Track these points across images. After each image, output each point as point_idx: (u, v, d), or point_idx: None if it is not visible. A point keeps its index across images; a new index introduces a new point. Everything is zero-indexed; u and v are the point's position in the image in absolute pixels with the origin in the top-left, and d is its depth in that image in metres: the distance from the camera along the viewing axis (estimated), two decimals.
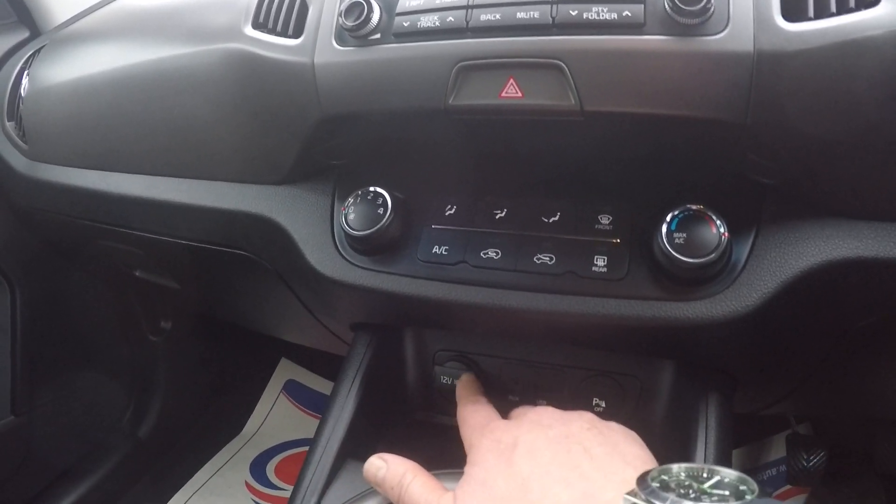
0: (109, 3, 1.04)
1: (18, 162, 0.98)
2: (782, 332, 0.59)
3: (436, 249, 0.61)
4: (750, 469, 1.30)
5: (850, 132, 0.50)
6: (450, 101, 0.54)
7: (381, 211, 0.62)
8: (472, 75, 0.53)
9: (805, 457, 1.17)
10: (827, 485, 1.21)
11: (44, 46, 1.01)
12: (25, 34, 1.14)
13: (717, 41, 0.48)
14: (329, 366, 1.46)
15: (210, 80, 0.70)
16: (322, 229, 0.67)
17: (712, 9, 0.48)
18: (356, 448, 0.66)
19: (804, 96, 0.49)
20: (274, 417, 1.60)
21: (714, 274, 0.54)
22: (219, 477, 1.46)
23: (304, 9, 0.63)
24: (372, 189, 0.64)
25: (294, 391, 1.63)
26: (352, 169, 0.68)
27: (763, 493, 0.37)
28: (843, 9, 0.49)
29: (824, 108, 0.49)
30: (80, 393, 1.29)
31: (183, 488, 1.42)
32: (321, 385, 1.62)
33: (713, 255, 0.52)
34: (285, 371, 1.66)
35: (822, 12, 0.49)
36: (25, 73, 1.01)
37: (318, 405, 1.60)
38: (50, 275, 1.18)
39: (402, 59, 0.55)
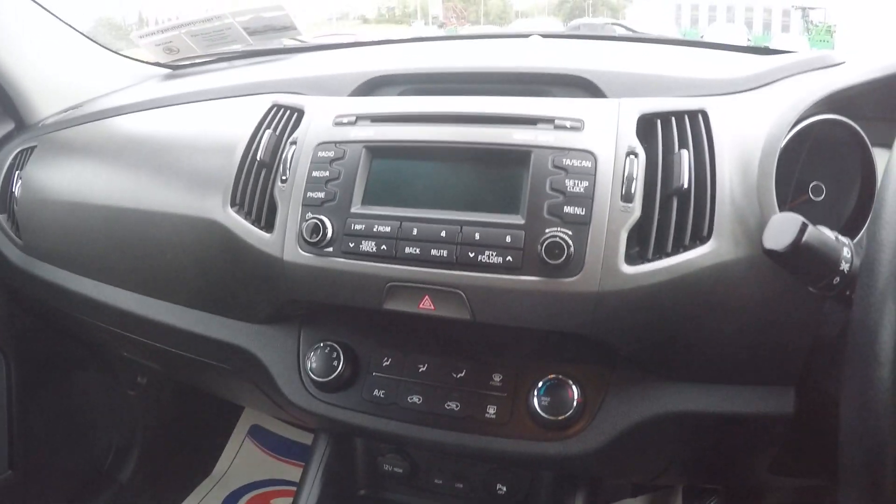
0: (97, 113, 1.06)
1: (12, 253, 1.07)
2: (626, 457, 0.80)
3: (376, 392, 0.80)
4: None
5: (672, 338, 0.68)
6: (382, 306, 0.73)
7: (335, 363, 0.80)
8: (399, 291, 0.71)
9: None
10: None
11: (35, 147, 1.07)
12: (11, 126, 1.17)
13: (570, 283, 0.65)
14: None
15: (196, 243, 0.85)
16: (292, 368, 0.84)
17: (571, 259, 0.65)
18: None
19: (635, 317, 0.67)
20: (240, 460, 1.72)
21: (571, 424, 0.73)
22: None
23: (273, 206, 0.77)
24: (330, 343, 0.81)
25: (258, 435, 1.75)
26: (315, 317, 0.85)
27: None
28: (678, 247, 0.65)
29: (650, 324, 0.67)
30: (69, 444, 1.39)
31: None
32: (283, 429, 1.73)
33: (569, 414, 0.72)
34: (250, 417, 1.77)
35: (658, 254, 0.66)
36: (17, 171, 1.07)
37: (279, 448, 1.72)
38: (41, 345, 1.28)
39: (349, 273, 0.73)
